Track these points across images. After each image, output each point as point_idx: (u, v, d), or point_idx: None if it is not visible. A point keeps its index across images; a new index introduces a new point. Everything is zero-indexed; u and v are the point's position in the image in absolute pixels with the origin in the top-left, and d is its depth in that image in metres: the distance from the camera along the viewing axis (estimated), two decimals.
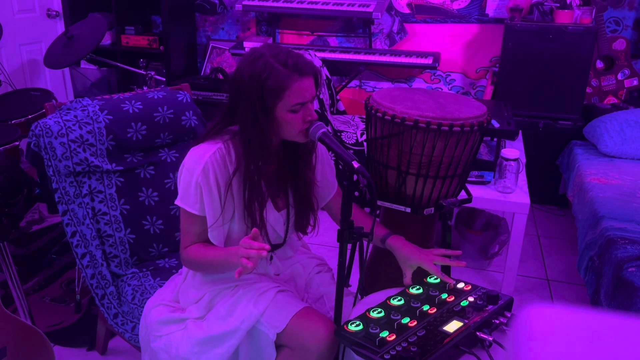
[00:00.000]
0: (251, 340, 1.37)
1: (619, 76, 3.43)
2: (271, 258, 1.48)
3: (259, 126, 1.27)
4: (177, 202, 1.35)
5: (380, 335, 1.18)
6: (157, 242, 1.91)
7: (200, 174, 1.29)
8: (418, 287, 1.40)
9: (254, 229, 1.21)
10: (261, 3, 3.79)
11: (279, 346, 1.35)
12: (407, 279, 1.44)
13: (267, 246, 1.18)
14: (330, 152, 1.48)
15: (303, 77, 1.25)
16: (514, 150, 2.23)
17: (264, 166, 1.35)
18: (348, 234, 1.28)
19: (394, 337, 1.19)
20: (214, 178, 1.30)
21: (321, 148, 1.50)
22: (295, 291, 1.50)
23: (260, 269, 1.48)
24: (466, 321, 1.25)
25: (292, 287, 1.52)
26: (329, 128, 2.90)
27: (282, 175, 1.44)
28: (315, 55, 3.38)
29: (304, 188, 1.44)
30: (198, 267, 1.40)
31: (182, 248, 1.39)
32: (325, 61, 3.49)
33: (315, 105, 2.99)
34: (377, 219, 1.57)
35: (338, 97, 3.55)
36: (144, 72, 3.05)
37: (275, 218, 1.43)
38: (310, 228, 1.51)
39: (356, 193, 2.28)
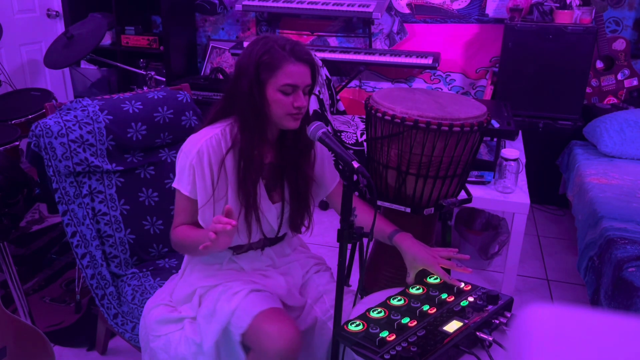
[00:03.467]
0: (226, 340, 1.38)
1: (619, 76, 3.43)
2: (262, 249, 1.49)
3: (252, 99, 1.31)
4: (174, 184, 1.39)
5: (380, 335, 1.18)
6: (157, 242, 1.91)
7: (195, 156, 1.33)
8: (418, 287, 1.40)
9: (227, 206, 1.22)
10: (261, 3, 3.79)
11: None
12: (410, 278, 1.44)
13: (234, 222, 1.19)
14: (330, 152, 1.48)
15: (297, 62, 1.31)
16: (513, 150, 2.23)
17: (259, 145, 1.37)
18: (348, 234, 1.28)
19: (394, 337, 1.19)
20: (207, 160, 1.34)
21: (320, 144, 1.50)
22: (277, 290, 1.47)
23: (254, 263, 1.49)
24: (466, 321, 1.25)
25: (283, 281, 1.50)
26: (329, 128, 2.90)
27: (279, 169, 1.45)
28: (315, 55, 3.38)
29: (303, 184, 1.45)
30: (182, 247, 1.42)
31: (172, 229, 1.42)
32: (325, 61, 3.49)
33: (315, 105, 2.99)
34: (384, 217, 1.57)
35: (338, 97, 3.55)
36: (144, 72, 3.05)
37: (268, 208, 1.44)
38: (304, 228, 1.52)
39: (356, 193, 2.28)
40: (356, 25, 3.91)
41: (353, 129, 3.16)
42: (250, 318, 1.32)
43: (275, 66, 1.29)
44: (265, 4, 3.78)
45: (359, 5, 3.65)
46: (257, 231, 1.42)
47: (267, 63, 1.29)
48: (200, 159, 1.33)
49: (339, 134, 3.10)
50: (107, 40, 4.00)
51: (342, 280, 1.29)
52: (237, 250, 1.48)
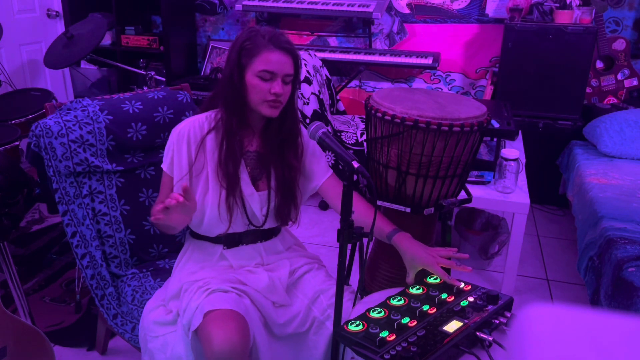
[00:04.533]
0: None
1: (619, 76, 3.43)
2: (254, 243, 1.52)
3: (232, 83, 1.40)
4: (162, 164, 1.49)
5: (380, 335, 1.18)
6: (157, 243, 1.91)
7: (176, 136, 1.44)
8: (418, 287, 1.40)
9: (184, 184, 1.29)
10: (261, 3, 3.79)
11: None
12: (410, 278, 1.44)
13: (180, 198, 1.24)
14: (330, 152, 1.49)
15: (276, 49, 1.37)
16: (513, 150, 2.23)
17: (240, 129, 1.43)
18: (348, 234, 1.28)
19: (394, 337, 1.19)
20: (186, 140, 1.44)
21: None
22: (258, 284, 1.45)
23: (242, 260, 1.50)
24: (466, 321, 1.25)
25: (267, 276, 1.47)
26: (329, 128, 2.90)
27: (264, 158, 1.48)
28: (315, 55, 3.38)
29: (288, 174, 1.47)
30: (157, 225, 1.45)
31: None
32: (325, 61, 3.49)
33: (315, 105, 3.00)
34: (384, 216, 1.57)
35: (338, 97, 3.55)
36: (144, 72, 3.05)
37: (250, 193, 1.46)
38: (290, 222, 1.54)
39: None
40: (356, 25, 3.91)
41: (353, 129, 3.16)
42: (201, 317, 1.31)
43: (255, 52, 1.37)
44: (265, 4, 3.78)
45: (359, 5, 3.65)
46: (238, 217, 1.45)
47: (248, 49, 1.37)
48: (179, 139, 1.43)
49: (339, 134, 3.10)
50: (107, 40, 4.00)
51: (342, 280, 1.29)
52: (228, 244, 1.49)
